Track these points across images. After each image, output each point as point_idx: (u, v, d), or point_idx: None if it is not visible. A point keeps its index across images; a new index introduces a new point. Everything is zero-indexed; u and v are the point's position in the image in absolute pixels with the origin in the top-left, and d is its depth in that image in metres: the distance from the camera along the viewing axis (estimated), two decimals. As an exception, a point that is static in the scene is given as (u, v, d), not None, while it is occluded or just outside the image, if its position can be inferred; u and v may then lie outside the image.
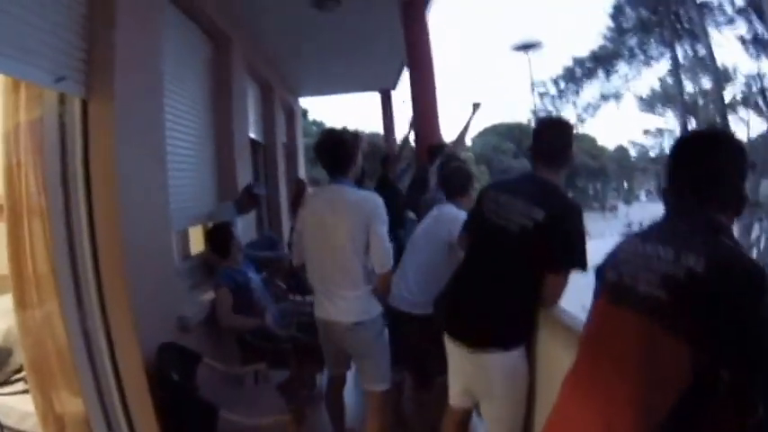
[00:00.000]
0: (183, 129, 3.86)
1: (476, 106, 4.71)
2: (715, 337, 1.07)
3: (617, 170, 47.95)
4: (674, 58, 23.91)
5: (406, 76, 5.36)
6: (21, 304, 2.49)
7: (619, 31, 25.16)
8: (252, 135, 6.02)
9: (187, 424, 2.51)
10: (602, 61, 26.19)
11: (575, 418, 1.36)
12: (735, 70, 23.01)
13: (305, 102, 12.48)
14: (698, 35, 21.92)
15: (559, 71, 27.99)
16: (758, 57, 20.82)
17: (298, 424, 2.73)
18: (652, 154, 33.20)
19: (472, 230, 2.33)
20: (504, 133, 46.96)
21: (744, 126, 22.60)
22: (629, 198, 50.59)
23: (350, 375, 2.93)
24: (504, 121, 48.80)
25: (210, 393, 2.68)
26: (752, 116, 22.29)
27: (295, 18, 5.51)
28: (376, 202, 2.53)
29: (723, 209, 1.28)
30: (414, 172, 5.25)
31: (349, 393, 3.00)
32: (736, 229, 1.37)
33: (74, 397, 2.51)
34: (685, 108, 24.46)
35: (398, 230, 4.69)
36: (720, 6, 21.26)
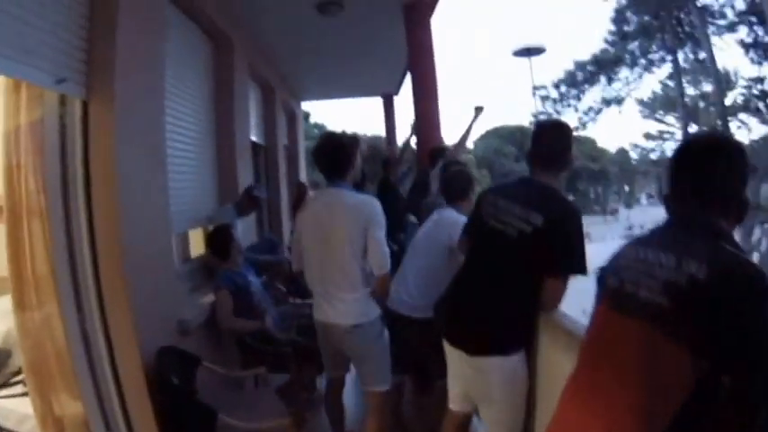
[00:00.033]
0: (183, 130, 3.86)
1: (478, 110, 4.70)
2: (716, 343, 1.06)
3: (618, 173, 47.95)
4: (676, 63, 23.93)
5: (408, 80, 5.36)
6: (20, 306, 2.48)
7: (620, 36, 25.18)
8: (253, 137, 6.01)
9: (186, 428, 2.51)
10: (603, 65, 26.19)
11: (575, 424, 1.35)
12: (736, 74, 23.07)
13: (307, 105, 12.48)
14: (699, 39, 21.96)
15: (561, 75, 27.97)
16: (759, 61, 20.83)
17: (297, 428, 2.73)
18: (653, 157, 33.15)
19: (471, 235, 2.32)
20: (505, 136, 47.00)
21: (745, 130, 22.65)
22: (630, 201, 50.58)
23: (349, 378, 2.92)
24: (506, 124, 48.89)
25: (210, 397, 2.67)
26: (753, 120, 22.32)
27: (297, 21, 5.51)
28: (374, 205, 2.54)
29: (724, 214, 1.27)
30: (415, 175, 5.25)
31: (348, 396, 2.99)
32: (737, 233, 1.36)
33: (73, 400, 2.50)
34: (686, 112, 24.46)
35: (399, 234, 4.69)
36: (721, 11, 21.32)
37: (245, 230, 4.57)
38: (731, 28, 21.15)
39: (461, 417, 2.31)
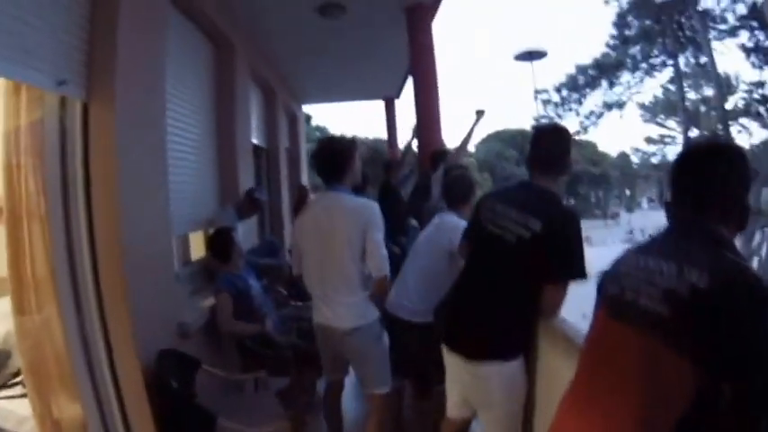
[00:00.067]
0: (184, 133, 3.86)
1: (479, 114, 4.70)
2: (717, 352, 1.05)
3: (619, 177, 47.94)
4: (677, 67, 23.95)
5: (410, 84, 5.37)
6: (19, 308, 2.47)
7: (622, 40, 25.20)
8: (254, 140, 6.01)
9: (185, 431, 2.50)
10: (605, 69, 26.20)
11: None
12: (737, 79, 23.09)
13: (308, 107, 12.51)
14: (700, 44, 21.98)
15: (563, 79, 27.98)
16: (760, 65, 20.85)
17: (297, 431, 2.71)
18: (654, 161, 33.16)
19: (471, 240, 2.32)
20: (507, 140, 47.02)
21: (745, 134, 22.66)
22: (632, 205, 50.55)
23: (348, 382, 2.92)
24: (508, 127, 48.92)
25: (210, 400, 2.67)
26: (753, 124, 22.34)
27: (299, 23, 5.52)
28: (372, 208, 2.56)
29: (726, 221, 1.26)
30: (416, 178, 5.25)
31: (347, 400, 2.98)
32: (737, 238, 1.35)
33: (72, 402, 2.50)
34: (687, 116, 24.46)
35: (401, 237, 4.69)
36: (722, 15, 21.35)
37: (245, 233, 4.57)
38: (732, 32, 21.19)
39: (459, 423, 2.30)
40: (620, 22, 24.82)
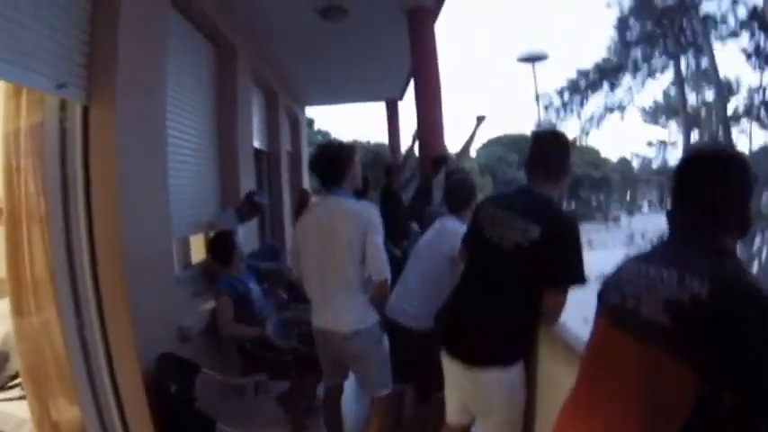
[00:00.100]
0: (185, 136, 3.86)
1: (480, 119, 4.69)
2: (718, 361, 1.04)
3: (620, 181, 47.93)
4: (678, 70, 23.96)
5: (412, 86, 5.38)
6: (18, 309, 2.47)
7: (623, 43, 25.22)
8: (255, 143, 6.01)
9: (184, 436, 2.49)
10: (606, 73, 26.20)
11: None
12: (738, 82, 23.11)
13: (311, 111, 12.53)
14: (701, 47, 22.01)
15: (564, 83, 28.00)
16: (761, 69, 20.87)
17: (297, 436, 2.71)
18: (654, 165, 33.16)
19: (469, 246, 2.31)
20: (509, 144, 47.01)
21: (746, 138, 22.67)
22: (632, 209, 50.52)
23: (348, 386, 2.91)
24: (509, 132, 48.93)
25: (210, 404, 2.66)
26: (754, 128, 22.35)
27: (301, 26, 5.52)
28: (371, 211, 2.58)
29: (728, 229, 1.25)
30: (418, 182, 5.24)
31: (348, 403, 2.97)
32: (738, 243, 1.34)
33: (70, 405, 2.49)
34: (688, 119, 24.46)
35: (402, 241, 4.68)
36: (723, 19, 21.37)
37: (246, 237, 4.56)
38: (733, 35, 21.23)
39: (459, 429, 2.29)
40: (622, 26, 24.86)
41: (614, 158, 49.16)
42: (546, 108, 28.10)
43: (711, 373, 1.04)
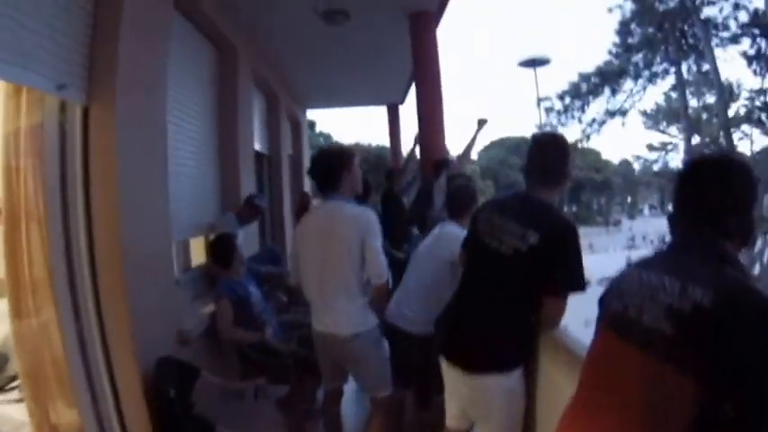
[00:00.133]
0: (185, 138, 3.86)
1: (481, 122, 4.69)
2: (720, 371, 1.03)
3: (621, 184, 47.98)
4: (679, 74, 23.99)
5: (413, 90, 5.39)
6: (17, 311, 2.47)
7: (625, 48, 25.23)
8: (256, 146, 6.00)
9: (183, 440, 2.48)
10: (607, 77, 26.20)
11: None
12: (739, 86, 23.15)
13: (312, 114, 12.53)
14: (702, 52, 22.03)
15: (565, 86, 28.00)
16: (762, 73, 20.88)
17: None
18: (655, 168, 33.16)
19: (469, 251, 2.30)
20: (510, 147, 47.12)
21: (747, 141, 22.70)
22: (633, 212, 50.56)
23: (348, 390, 2.90)
24: (511, 135, 49.03)
25: (209, 407, 2.65)
26: (755, 132, 22.37)
27: (303, 30, 5.53)
28: (369, 217, 2.57)
29: (730, 237, 1.23)
30: (419, 185, 5.24)
31: (347, 407, 2.97)
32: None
33: (69, 407, 2.48)
34: (689, 123, 24.48)
35: (403, 245, 4.68)
36: (725, 23, 21.40)
37: (247, 240, 4.56)
38: (734, 40, 21.26)
39: None
40: (623, 30, 24.87)
41: (616, 161, 49.15)
42: (547, 111, 28.10)
43: (713, 382, 1.03)
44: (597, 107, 26.93)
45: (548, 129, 26.45)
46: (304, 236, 2.67)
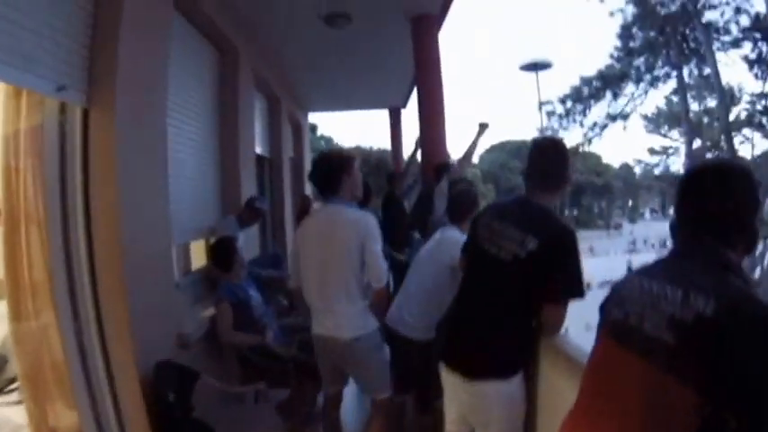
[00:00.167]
0: (186, 140, 3.85)
1: (483, 127, 4.68)
2: (722, 381, 1.02)
3: (622, 188, 48.00)
4: (680, 78, 24.01)
5: (416, 94, 5.39)
6: (16, 313, 2.46)
7: (626, 52, 25.25)
8: (257, 149, 6.00)
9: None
10: (609, 81, 26.21)
11: None
12: (740, 90, 23.16)
13: (314, 117, 12.53)
14: (704, 55, 22.06)
15: (567, 90, 28.00)
16: (763, 76, 20.90)
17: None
18: (656, 172, 33.16)
19: (468, 256, 2.28)
20: (511, 151, 47.20)
21: (748, 145, 22.71)
22: (634, 216, 50.60)
23: (348, 393, 2.90)
24: (512, 138, 49.09)
25: (210, 411, 2.64)
26: (756, 136, 22.38)
27: (305, 33, 5.53)
28: (369, 221, 2.58)
29: (733, 245, 1.22)
30: (420, 188, 5.24)
31: (347, 412, 2.96)
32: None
33: (68, 410, 2.48)
34: (690, 127, 24.49)
35: (404, 249, 4.67)
36: (726, 27, 21.42)
37: (248, 243, 4.55)
38: (736, 44, 21.28)
39: None
40: (625, 34, 24.91)
41: (616, 165, 49.21)
42: (549, 115, 28.10)
43: (715, 393, 1.02)
44: (599, 111, 26.96)
45: (549, 133, 26.49)
46: (304, 239, 2.68)
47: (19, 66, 2.00)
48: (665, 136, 30.11)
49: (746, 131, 22.77)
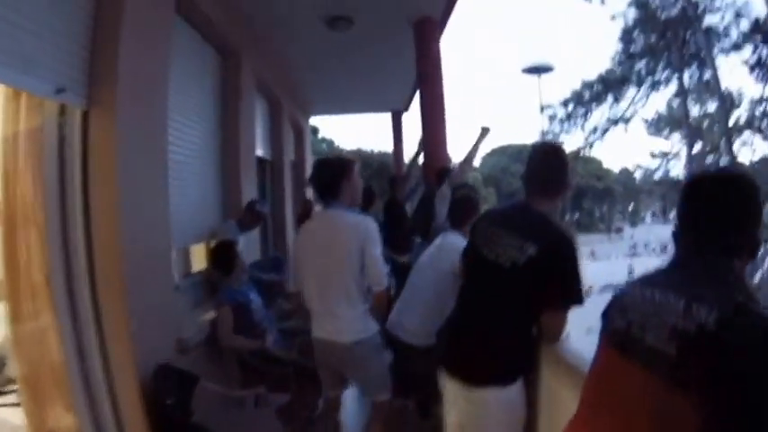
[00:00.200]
0: (187, 143, 3.84)
1: (484, 131, 4.66)
2: (725, 394, 1.01)
3: (622, 192, 48.00)
4: (681, 82, 24.05)
5: (417, 97, 5.40)
6: (15, 315, 2.44)
7: (627, 56, 25.30)
8: (258, 152, 5.98)
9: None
10: (610, 85, 26.25)
11: None
12: (740, 94, 23.18)
13: (316, 119, 12.55)
14: (704, 59, 22.10)
15: (568, 94, 28.02)
16: (763, 81, 20.92)
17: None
18: (657, 176, 33.14)
19: (467, 262, 2.27)
20: (512, 155, 47.19)
21: (748, 149, 22.72)
22: (635, 220, 50.58)
23: (348, 397, 2.89)
24: (514, 142, 49.14)
25: (210, 415, 2.62)
26: (756, 139, 22.39)
27: (306, 36, 5.53)
28: (369, 225, 2.59)
29: (736, 254, 1.21)
30: (422, 191, 5.23)
31: (347, 416, 2.94)
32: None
33: (67, 412, 2.46)
34: (691, 131, 24.50)
35: (405, 253, 4.66)
36: (726, 32, 21.48)
37: (248, 246, 4.54)
38: (736, 48, 21.33)
39: None
40: (626, 38, 24.95)
41: (617, 169, 49.27)
42: (550, 119, 28.11)
43: (717, 405, 1.01)
44: (600, 115, 26.99)
45: (550, 136, 26.50)
46: (305, 243, 2.69)
47: (18, 67, 2.00)
48: (665, 140, 30.13)
49: (747, 135, 22.80)
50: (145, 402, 2.42)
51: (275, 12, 4.84)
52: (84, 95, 2.38)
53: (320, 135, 30.32)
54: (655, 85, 25.71)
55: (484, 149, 45.69)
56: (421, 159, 5.35)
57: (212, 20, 4.10)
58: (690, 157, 24.18)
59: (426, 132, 5.11)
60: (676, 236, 1.29)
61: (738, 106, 22.99)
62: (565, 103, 27.57)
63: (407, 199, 5.54)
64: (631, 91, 26.17)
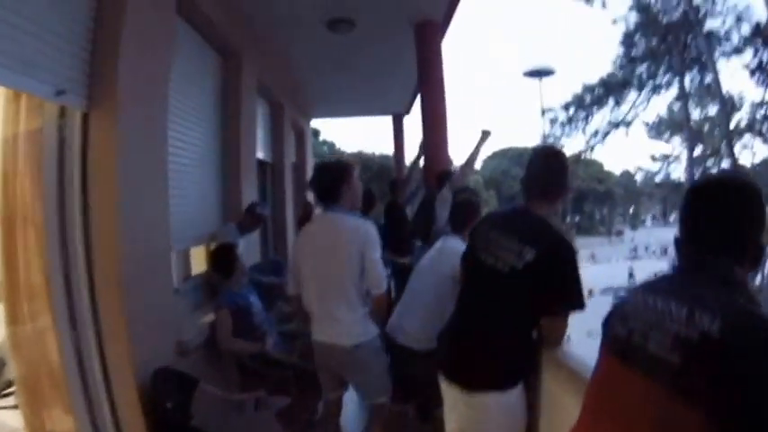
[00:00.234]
0: (187, 145, 3.83)
1: (485, 134, 4.65)
2: (728, 401, 1.00)
3: (623, 195, 48.04)
4: (682, 86, 24.09)
5: (419, 101, 5.39)
6: (13, 317, 2.44)
7: (628, 59, 25.34)
8: (259, 154, 5.98)
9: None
10: (611, 88, 26.30)
11: None
12: (741, 97, 23.23)
13: (317, 122, 12.54)
14: (705, 63, 22.15)
15: (569, 98, 28.05)
16: (764, 84, 20.97)
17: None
18: (658, 179, 33.15)
19: (466, 267, 2.26)
20: (513, 158, 47.26)
21: (749, 152, 22.75)
22: (635, 223, 50.63)
23: (348, 400, 2.88)
24: (515, 145, 49.19)
25: (209, 419, 2.61)
26: (757, 142, 22.43)
27: (308, 38, 5.53)
28: (368, 228, 2.60)
29: (740, 261, 1.19)
30: (423, 194, 5.22)
31: (347, 419, 2.93)
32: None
33: (65, 415, 2.45)
34: (692, 134, 24.53)
35: (405, 257, 4.66)
36: (727, 36, 21.54)
37: (249, 249, 4.53)
38: (737, 52, 21.40)
39: None
40: (627, 42, 25.02)
41: (618, 172, 49.31)
42: (552, 122, 28.14)
43: (720, 413, 1.00)
44: (601, 118, 27.02)
45: (551, 140, 26.54)
46: (304, 246, 2.70)
47: (18, 69, 1.99)
48: (667, 142, 30.14)
49: (747, 138, 22.83)
50: (144, 405, 2.41)
51: (276, 13, 4.84)
52: (85, 97, 2.38)
53: (321, 138, 30.35)
54: (656, 89, 25.80)
55: (485, 152, 45.69)
56: (422, 162, 5.34)
57: (213, 21, 4.09)
58: (691, 161, 24.21)
59: (427, 135, 5.10)
60: (678, 242, 1.28)
61: (739, 109, 23.10)
62: (566, 107, 27.64)
63: (408, 202, 5.53)
64: (632, 94, 26.29)
